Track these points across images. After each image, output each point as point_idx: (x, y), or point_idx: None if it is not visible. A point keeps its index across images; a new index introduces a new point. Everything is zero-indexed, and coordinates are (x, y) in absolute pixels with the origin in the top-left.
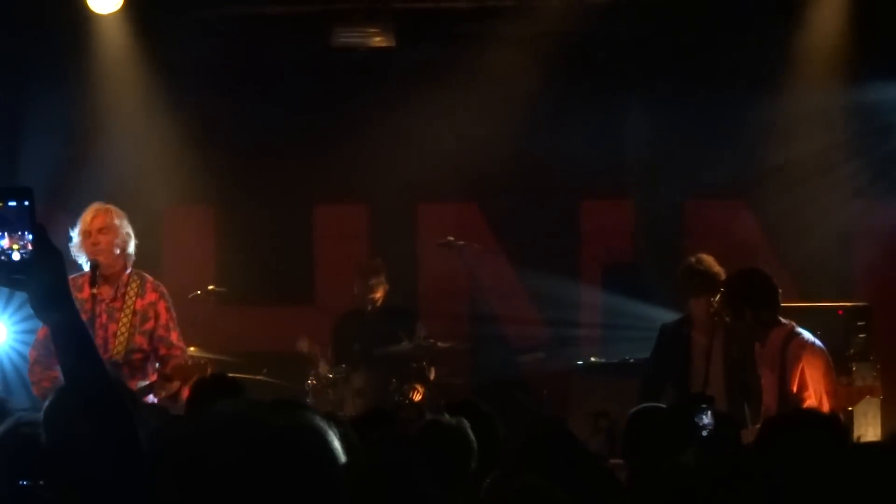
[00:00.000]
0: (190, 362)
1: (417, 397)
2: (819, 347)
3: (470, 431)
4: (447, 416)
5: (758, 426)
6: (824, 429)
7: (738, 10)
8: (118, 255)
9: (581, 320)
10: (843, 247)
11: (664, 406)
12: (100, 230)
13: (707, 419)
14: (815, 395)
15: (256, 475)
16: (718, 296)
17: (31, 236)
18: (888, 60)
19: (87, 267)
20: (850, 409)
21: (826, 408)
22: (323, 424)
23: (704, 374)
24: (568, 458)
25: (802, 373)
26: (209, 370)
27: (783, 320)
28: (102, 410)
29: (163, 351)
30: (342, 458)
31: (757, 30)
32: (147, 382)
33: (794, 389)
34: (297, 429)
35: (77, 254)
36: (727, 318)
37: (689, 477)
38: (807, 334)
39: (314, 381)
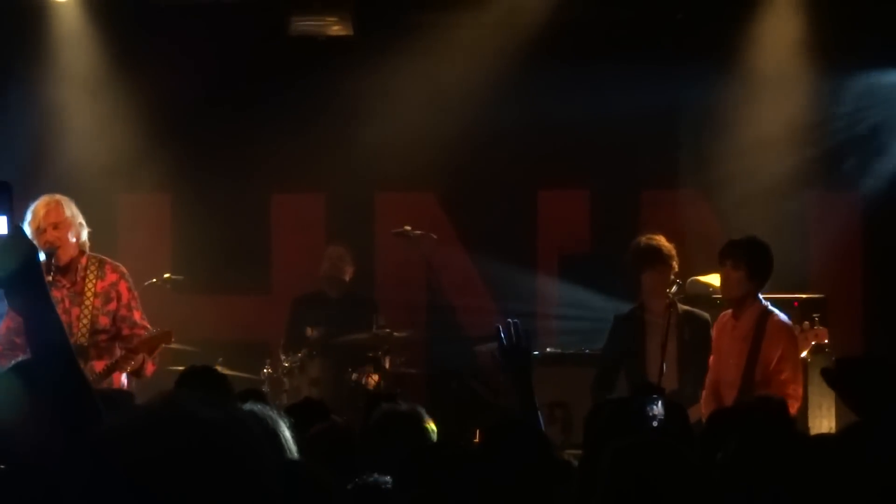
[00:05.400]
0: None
1: (372, 386)
2: (794, 329)
3: (426, 418)
4: (402, 404)
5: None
6: (772, 414)
7: None
8: (73, 245)
9: (538, 311)
10: (799, 238)
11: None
12: (54, 226)
13: (657, 409)
14: (791, 369)
15: (178, 471)
16: (673, 276)
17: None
18: (845, 50)
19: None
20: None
21: (798, 386)
22: (272, 415)
23: (661, 354)
24: (523, 446)
25: (785, 349)
26: (172, 338)
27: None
28: (69, 396)
29: (126, 331)
30: (289, 452)
31: (715, 17)
32: (113, 361)
33: (773, 362)
34: (228, 424)
35: None
36: (677, 300)
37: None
38: (782, 314)
39: (270, 370)
